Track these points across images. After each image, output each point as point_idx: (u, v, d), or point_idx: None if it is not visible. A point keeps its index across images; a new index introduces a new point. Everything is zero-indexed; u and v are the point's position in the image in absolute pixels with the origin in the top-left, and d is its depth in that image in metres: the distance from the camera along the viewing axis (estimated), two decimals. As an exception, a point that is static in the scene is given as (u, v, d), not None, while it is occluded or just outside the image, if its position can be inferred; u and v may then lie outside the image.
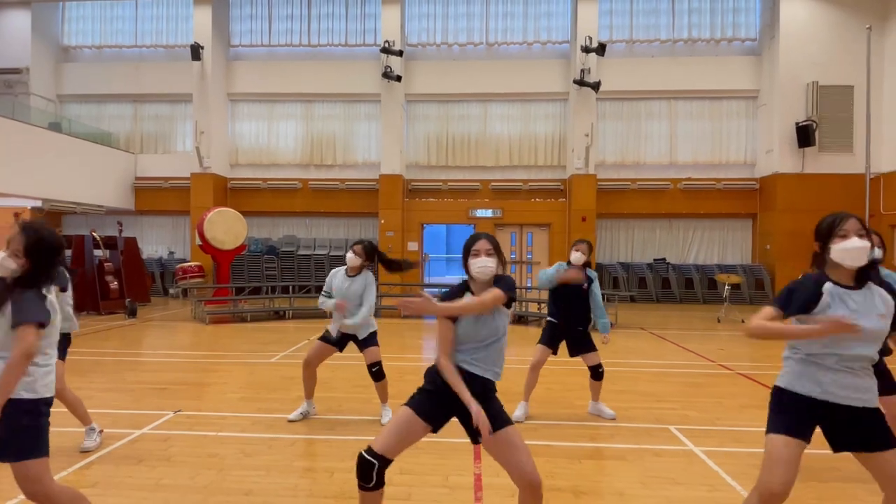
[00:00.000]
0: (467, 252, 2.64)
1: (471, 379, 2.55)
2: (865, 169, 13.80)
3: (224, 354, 8.19)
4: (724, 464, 3.94)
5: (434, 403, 2.58)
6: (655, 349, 8.85)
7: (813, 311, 2.25)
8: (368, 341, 4.82)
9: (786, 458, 2.28)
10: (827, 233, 2.27)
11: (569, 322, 4.98)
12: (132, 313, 11.81)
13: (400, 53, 16.03)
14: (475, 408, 2.42)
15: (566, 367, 7.49)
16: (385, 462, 2.46)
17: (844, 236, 2.23)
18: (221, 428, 4.71)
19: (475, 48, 17.09)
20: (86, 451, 4.08)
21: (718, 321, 12.03)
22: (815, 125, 15.05)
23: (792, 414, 2.32)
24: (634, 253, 17.04)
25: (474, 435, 2.59)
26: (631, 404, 5.58)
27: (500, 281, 2.60)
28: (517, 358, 8.13)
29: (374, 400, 5.13)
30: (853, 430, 2.31)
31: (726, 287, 12.75)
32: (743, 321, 12.09)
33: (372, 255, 4.75)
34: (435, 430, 2.61)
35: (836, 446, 2.39)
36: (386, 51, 15.87)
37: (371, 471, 2.44)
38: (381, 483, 2.46)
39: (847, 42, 15.04)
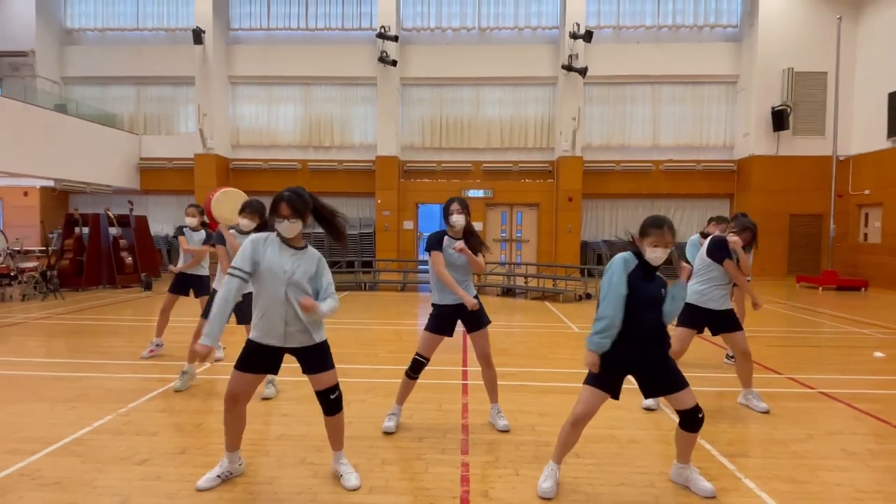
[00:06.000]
0: (447, 210, 4.05)
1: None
2: (833, 151, 14.66)
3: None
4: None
5: (442, 322, 4.01)
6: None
7: None
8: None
9: None
10: None
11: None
12: (147, 286, 12.61)
13: (395, 38, 16.63)
14: (471, 300, 3.87)
15: (545, 327, 8.42)
16: (426, 361, 3.98)
17: None
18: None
19: (468, 33, 17.71)
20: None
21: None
22: (789, 110, 15.88)
23: None
24: (618, 231, 17.92)
25: (473, 326, 4.03)
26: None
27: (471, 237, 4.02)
28: (504, 323, 9.04)
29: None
30: None
31: (701, 262, 13.63)
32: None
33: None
34: (451, 335, 4.03)
35: None
36: (382, 35, 16.46)
37: (421, 368, 3.98)
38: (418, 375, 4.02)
39: (822, 29, 15.78)
